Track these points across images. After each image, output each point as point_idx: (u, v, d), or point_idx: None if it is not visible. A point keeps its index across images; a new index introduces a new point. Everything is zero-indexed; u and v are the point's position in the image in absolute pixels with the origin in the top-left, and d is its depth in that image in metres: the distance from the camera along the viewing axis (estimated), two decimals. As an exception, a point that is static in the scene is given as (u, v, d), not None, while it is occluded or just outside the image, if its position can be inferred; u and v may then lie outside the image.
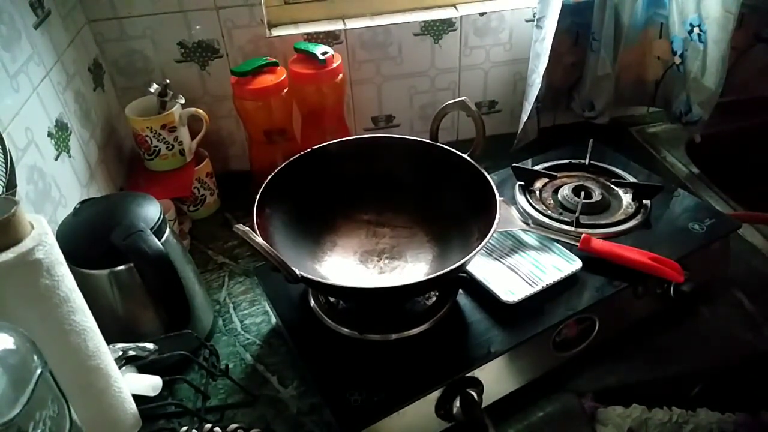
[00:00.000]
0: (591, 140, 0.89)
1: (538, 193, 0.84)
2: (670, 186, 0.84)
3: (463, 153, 0.72)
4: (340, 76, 0.92)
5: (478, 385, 0.62)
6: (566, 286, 0.69)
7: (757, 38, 1.05)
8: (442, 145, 0.75)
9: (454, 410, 0.60)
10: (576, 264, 0.70)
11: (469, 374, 0.61)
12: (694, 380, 0.71)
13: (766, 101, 1.12)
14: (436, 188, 0.76)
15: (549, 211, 0.80)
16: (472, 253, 0.59)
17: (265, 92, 0.87)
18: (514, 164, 0.86)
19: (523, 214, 0.80)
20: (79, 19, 0.86)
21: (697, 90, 0.94)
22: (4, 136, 0.62)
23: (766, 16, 1.03)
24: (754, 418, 0.69)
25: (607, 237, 0.74)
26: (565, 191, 0.82)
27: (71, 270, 0.48)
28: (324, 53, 0.88)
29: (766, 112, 1.13)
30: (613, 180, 0.84)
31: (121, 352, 0.59)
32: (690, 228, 0.75)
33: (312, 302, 0.70)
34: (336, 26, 0.97)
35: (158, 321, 0.68)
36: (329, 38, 0.96)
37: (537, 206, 0.80)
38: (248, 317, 0.78)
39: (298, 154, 0.73)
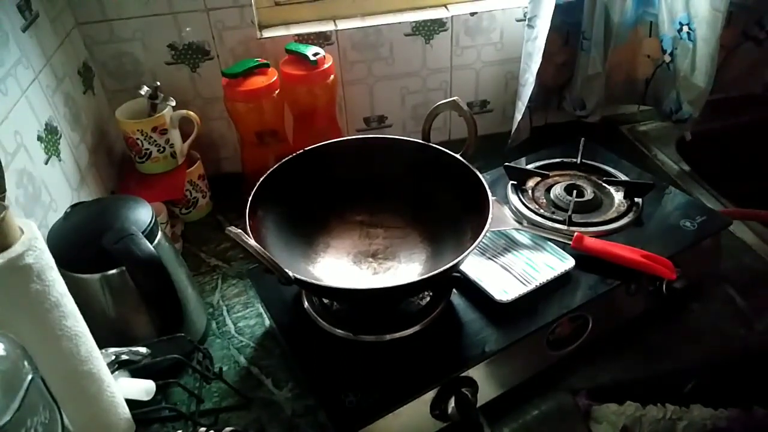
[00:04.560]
0: (582, 139, 0.89)
1: (530, 192, 0.84)
2: (662, 184, 0.84)
3: (455, 153, 0.72)
4: (332, 77, 0.91)
5: (472, 384, 0.62)
6: (559, 284, 0.69)
7: (746, 36, 1.06)
8: (434, 145, 0.75)
9: (449, 410, 0.60)
10: (569, 262, 0.70)
11: (463, 374, 0.61)
12: (687, 376, 0.71)
13: (755, 98, 1.12)
14: (428, 188, 0.76)
15: (541, 210, 0.80)
16: (465, 253, 0.60)
17: (256, 94, 0.87)
18: (506, 163, 0.86)
19: (516, 213, 0.80)
20: (67, 21, 0.85)
21: (686, 88, 0.95)
22: (-8, 140, 0.61)
23: (754, 14, 1.03)
24: (747, 414, 0.69)
25: (599, 235, 0.75)
26: (557, 190, 0.82)
27: (62, 274, 0.47)
28: (315, 54, 0.88)
29: (756, 110, 1.14)
30: (604, 178, 0.84)
31: (113, 357, 0.58)
32: (681, 225, 0.76)
33: (306, 304, 0.69)
34: (327, 27, 0.97)
35: (151, 325, 0.67)
36: (320, 39, 0.96)
37: (529, 205, 0.81)
38: (242, 320, 0.78)
39: (291, 156, 0.73)
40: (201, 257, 0.89)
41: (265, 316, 0.77)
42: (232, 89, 0.87)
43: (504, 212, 0.76)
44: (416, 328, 0.65)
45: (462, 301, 0.69)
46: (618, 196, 0.82)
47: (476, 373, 0.62)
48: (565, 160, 0.88)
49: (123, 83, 0.94)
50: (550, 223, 0.77)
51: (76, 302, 0.49)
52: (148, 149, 0.88)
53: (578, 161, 0.87)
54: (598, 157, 0.88)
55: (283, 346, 0.72)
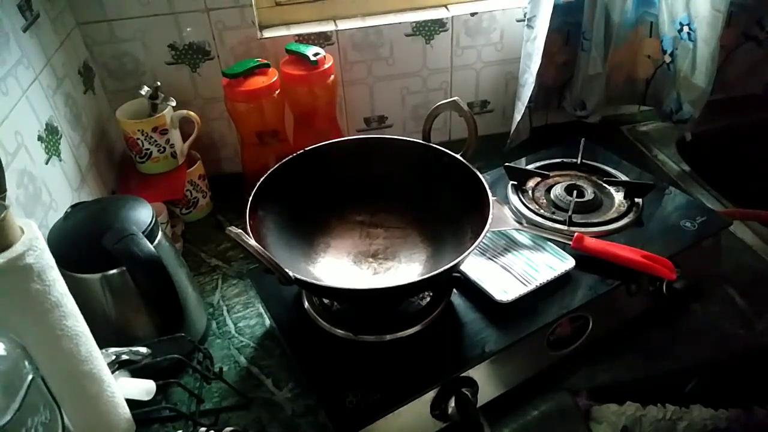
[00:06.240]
0: (582, 139, 0.89)
1: (530, 192, 0.84)
2: (662, 184, 0.84)
3: (455, 153, 0.72)
4: (332, 77, 0.91)
5: (472, 384, 0.62)
6: (560, 284, 0.69)
7: (746, 36, 1.06)
8: (434, 146, 0.75)
9: (449, 410, 0.60)
10: (569, 263, 0.70)
11: (463, 374, 0.61)
12: (687, 377, 0.71)
13: (755, 99, 1.12)
14: (429, 188, 0.76)
15: (542, 210, 0.80)
16: (466, 253, 0.60)
17: (256, 94, 0.87)
18: (506, 164, 0.86)
19: (516, 213, 0.80)
20: (68, 21, 0.85)
21: (687, 88, 0.95)
22: (-7, 140, 0.61)
23: (754, 14, 1.03)
24: (747, 414, 0.69)
25: (599, 235, 0.75)
26: (557, 190, 0.82)
27: (63, 274, 0.47)
28: (315, 54, 0.88)
29: (756, 110, 1.14)
30: (605, 178, 0.84)
31: (114, 357, 0.58)
32: (681, 225, 0.76)
33: (306, 304, 0.69)
34: (327, 27, 0.97)
35: (151, 325, 0.67)
36: (321, 39, 0.96)
37: (530, 205, 0.81)
38: (242, 320, 0.78)
39: (291, 156, 0.73)
40: (201, 257, 0.89)
41: (265, 316, 0.77)
42: (232, 89, 0.87)
43: (504, 212, 0.76)
44: (416, 328, 0.65)
45: (462, 301, 0.69)
46: (618, 196, 0.82)
47: (476, 373, 0.62)
48: (565, 160, 0.88)
49: (123, 83, 0.94)
50: (550, 224, 0.77)
51: (77, 302, 0.49)
52: (148, 149, 0.88)
53: (578, 161, 0.87)
54: (599, 158, 0.88)
55: (283, 346, 0.72)
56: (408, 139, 0.76)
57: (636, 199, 0.80)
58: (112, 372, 0.56)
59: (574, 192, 0.81)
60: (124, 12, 0.88)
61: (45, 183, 0.72)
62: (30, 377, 0.34)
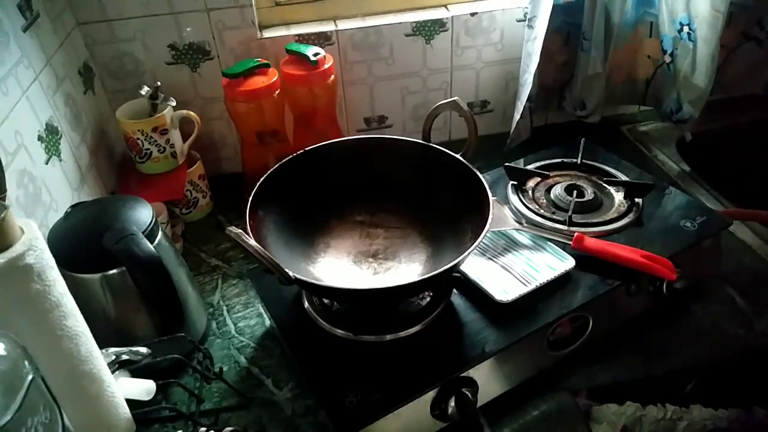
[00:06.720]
0: (582, 139, 0.89)
1: (530, 192, 0.84)
2: (662, 184, 0.84)
3: (455, 153, 0.72)
4: (332, 77, 0.91)
5: (472, 384, 0.62)
6: (560, 284, 0.69)
7: (746, 37, 1.06)
8: (434, 146, 0.75)
9: (450, 410, 0.60)
10: (569, 263, 0.70)
11: (463, 374, 0.61)
12: (687, 377, 0.71)
13: (755, 99, 1.12)
14: (429, 188, 0.76)
15: (542, 210, 0.80)
16: (466, 253, 0.60)
17: (256, 94, 0.87)
18: (506, 164, 0.86)
19: (516, 213, 0.80)
20: (68, 21, 0.85)
21: (687, 88, 0.95)
22: (-7, 140, 0.61)
23: (754, 14, 1.04)
24: (747, 414, 0.69)
25: (599, 235, 0.75)
26: (557, 190, 0.82)
27: (63, 274, 0.47)
28: (315, 54, 0.88)
29: (756, 110, 1.14)
30: (605, 178, 0.84)
31: (114, 357, 0.58)
32: (681, 225, 0.76)
33: (306, 304, 0.69)
34: (327, 27, 0.97)
35: (151, 324, 0.67)
36: (321, 39, 0.96)
37: (530, 205, 0.81)
38: (242, 320, 0.78)
39: (291, 156, 0.73)
40: (201, 257, 0.89)
41: (265, 316, 0.77)
42: (232, 89, 0.87)
43: (504, 212, 0.76)
44: (417, 328, 0.65)
45: (462, 301, 0.69)
46: (618, 196, 0.82)
47: (476, 373, 0.62)
48: (565, 160, 0.88)
49: (123, 83, 0.94)
50: (550, 224, 0.77)
51: (77, 302, 0.49)
52: (148, 149, 0.88)
53: (578, 161, 0.87)
54: (599, 158, 0.88)
55: (283, 347, 0.72)
56: (408, 139, 0.76)
57: (636, 199, 0.80)
58: (112, 372, 0.56)
59: (574, 192, 0.81)
60: (124, 12, 0.88)
61: (45, 183, 0.72)
62: (30, 377, 0.34)
